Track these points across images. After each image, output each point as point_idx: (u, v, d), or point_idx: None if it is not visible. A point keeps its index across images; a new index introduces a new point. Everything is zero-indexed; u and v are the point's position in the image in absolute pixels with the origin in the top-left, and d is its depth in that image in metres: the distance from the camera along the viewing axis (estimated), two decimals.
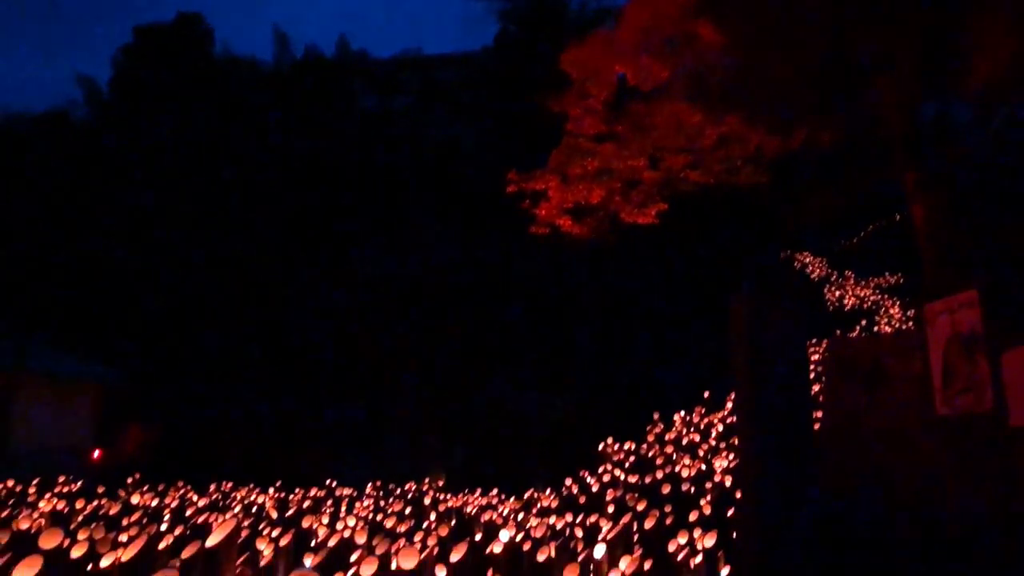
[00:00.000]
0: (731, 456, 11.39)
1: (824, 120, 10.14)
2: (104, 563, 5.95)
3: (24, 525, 7.97)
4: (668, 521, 8.68)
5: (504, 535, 7.41)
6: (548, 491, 12.23)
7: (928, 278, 9.26)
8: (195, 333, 24.04)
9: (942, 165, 9.37)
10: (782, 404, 4.80)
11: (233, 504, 11.12)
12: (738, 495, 6.51)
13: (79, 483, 13.28)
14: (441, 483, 15.69)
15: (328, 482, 13.98)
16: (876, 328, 19.86)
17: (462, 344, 24.21)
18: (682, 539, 7.36)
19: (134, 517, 9.16)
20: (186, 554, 5.81)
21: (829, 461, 9.35)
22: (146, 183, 30.84)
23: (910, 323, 15.64)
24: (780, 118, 10.16)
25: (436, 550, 6.41)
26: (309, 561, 6.67)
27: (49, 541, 5.64)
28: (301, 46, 52.83)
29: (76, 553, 6.24)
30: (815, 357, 16.62)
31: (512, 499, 12.82)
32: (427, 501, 11.92)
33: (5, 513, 9.72)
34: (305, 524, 9.36)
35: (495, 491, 13.70)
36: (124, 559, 5.41)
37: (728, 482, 10.14)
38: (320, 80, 42.08)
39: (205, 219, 29.53)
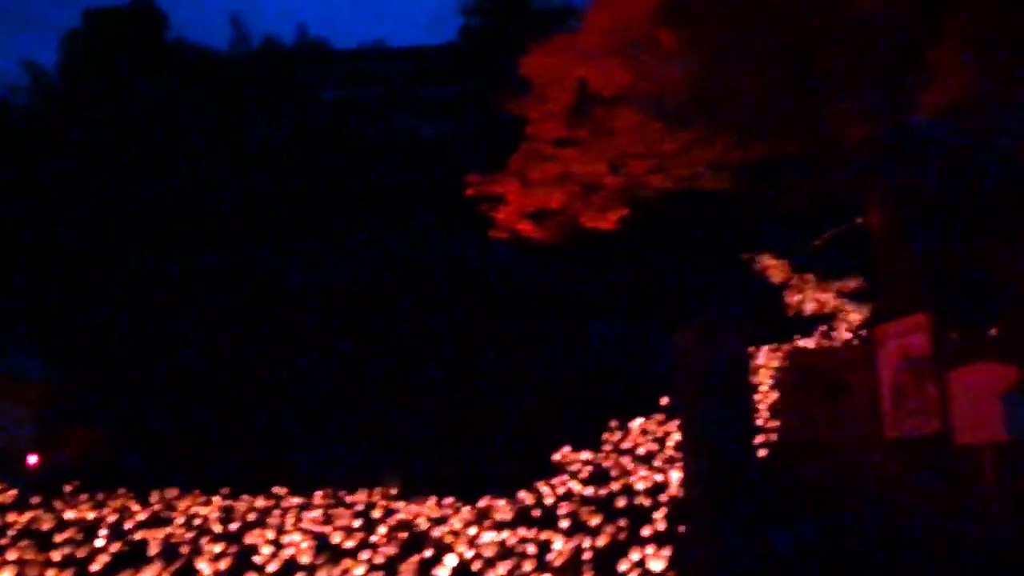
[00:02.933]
0: None
1: (787, 131, 10.06)
2: None
3: None
4: (623, 536, 8.59)
5: (450, 559, 7.25)
6: (503, 501, 12.04)
7: (883, 297, 9.25)
8: (145, 331, 23.45)
9: (903, 182, 9.32)
10: (724, 436, 4.65)
11: (175, 516, 10.77)
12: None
13: (13, 492, 12.76)
14: (394, 491, 15.39)
15: (276, 490, 13.61)
16: (835, 333, 19.93)
17: (422, 341, 23.97)
18: (635, 555, 7.29)
19: (67, 534, 8.78)
20: None
21: (787, 470, 9.31)
22: (93, 172, 30.05)
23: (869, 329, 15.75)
24: (741, 128, 10.05)
25: None
26: None
27: None
28: (259, 36, 51.77)
29: None
30: (775, 363, 16.62)
31: (467, 508, 12.62)
32: (378, 513, 11.66)
33: None
34: (249, 539, 9.11)
35: (450, 500, 13.46)
36: None
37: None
38: (277, 69, 41.33)
39: (154, 210, 28.88)
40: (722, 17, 9.25)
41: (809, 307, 24.15)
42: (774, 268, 28.50)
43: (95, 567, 6.75)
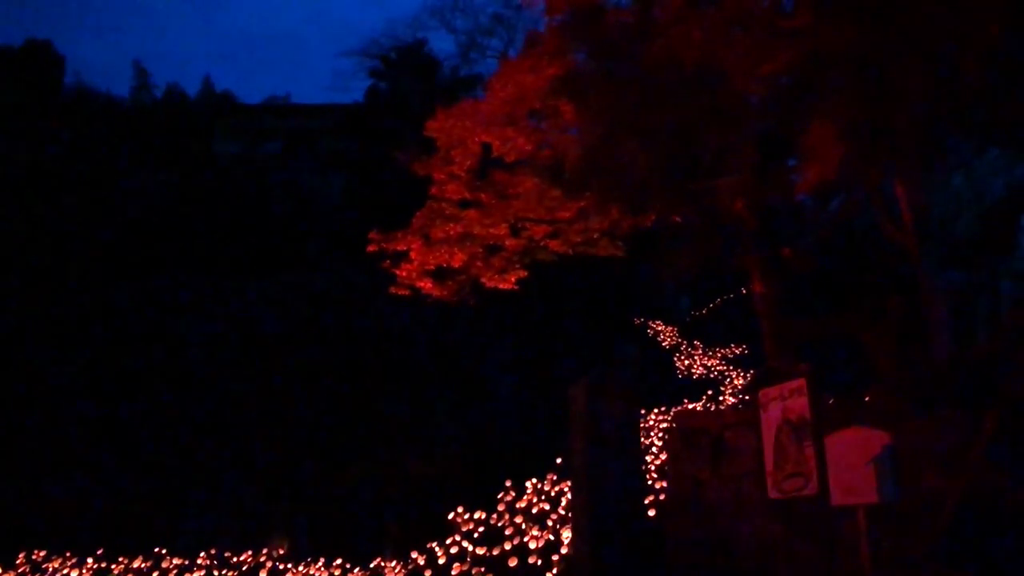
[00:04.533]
0: None
1: (674, 202, 10.60)
2: None
3: None
4: None
5: None
6: (394, 563, 11.86)
7: (765, 361, 9.74)
8: (17, 388, 22.14)
9: (783, 251, 9.96)
10: (616, 491, 4.84)
11: None
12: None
13: None
14: (283, 551, 14.91)
15: (156, 550, 13.01)
16: (721, 397, 20.70)
17: (313, 398, 23.51)
18: None
19: None
20: None
21: (674, 530, 9.56)
22: None
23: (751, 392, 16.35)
24: (632, 198, 10.55)
25: None
26: None
27: None
28: (164, 85, 50.76)
29: None
30: (664, 425, 17.10)
31: (357, 570, 12.36)
32: (264, 574, 11.30)
33: None
34: None
35: (339, 560, 13.15)
36: None
37: None
38: (180, 119, 40.55)
39: (37, 254, 27.59)
40: (611, 93, 9.77)
41: (697, 371, 25.04)
42: (665, 333, 29.46)
43: None
